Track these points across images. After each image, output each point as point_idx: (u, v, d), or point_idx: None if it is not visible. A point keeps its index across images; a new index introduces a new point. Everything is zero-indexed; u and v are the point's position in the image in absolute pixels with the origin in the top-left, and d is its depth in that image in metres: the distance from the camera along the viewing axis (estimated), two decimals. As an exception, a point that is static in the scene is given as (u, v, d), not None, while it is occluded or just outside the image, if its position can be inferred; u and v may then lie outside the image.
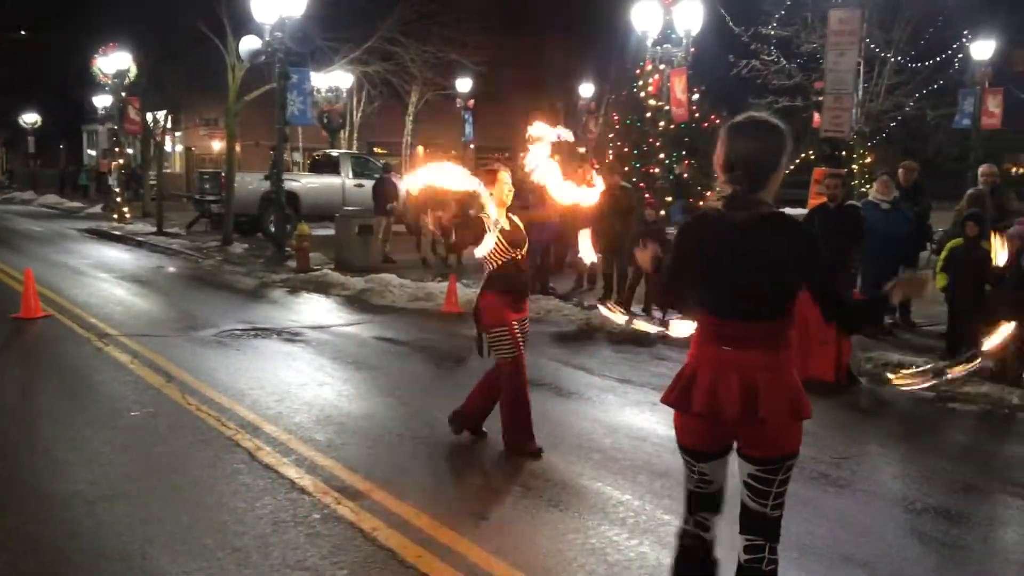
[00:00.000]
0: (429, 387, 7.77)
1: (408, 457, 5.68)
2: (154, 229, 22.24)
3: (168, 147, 38.06)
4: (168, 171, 36.06)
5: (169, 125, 31.03)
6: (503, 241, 5.52)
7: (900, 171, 10.08)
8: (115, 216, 24.98)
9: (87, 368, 7.89)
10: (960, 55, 21.51)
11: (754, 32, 21.48)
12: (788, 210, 4.44)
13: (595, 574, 4.04)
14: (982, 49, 20.88)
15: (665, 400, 3.09)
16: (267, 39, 16.49)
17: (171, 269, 16.05)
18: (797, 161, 28.61)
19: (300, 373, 7.94)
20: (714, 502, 3.19)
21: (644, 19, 17.96)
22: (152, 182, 31.43)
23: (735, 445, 3.05)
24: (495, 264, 5.57)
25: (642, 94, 19.07)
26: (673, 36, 18.00)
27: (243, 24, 17.89)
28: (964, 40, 20.61)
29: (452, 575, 3.97)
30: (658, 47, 17.81)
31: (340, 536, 4.36)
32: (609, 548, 4.34)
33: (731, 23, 20.80)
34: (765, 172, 2.95)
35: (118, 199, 25.49)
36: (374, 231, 16.17)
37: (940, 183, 19.27)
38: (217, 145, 39.82)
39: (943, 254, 8.84)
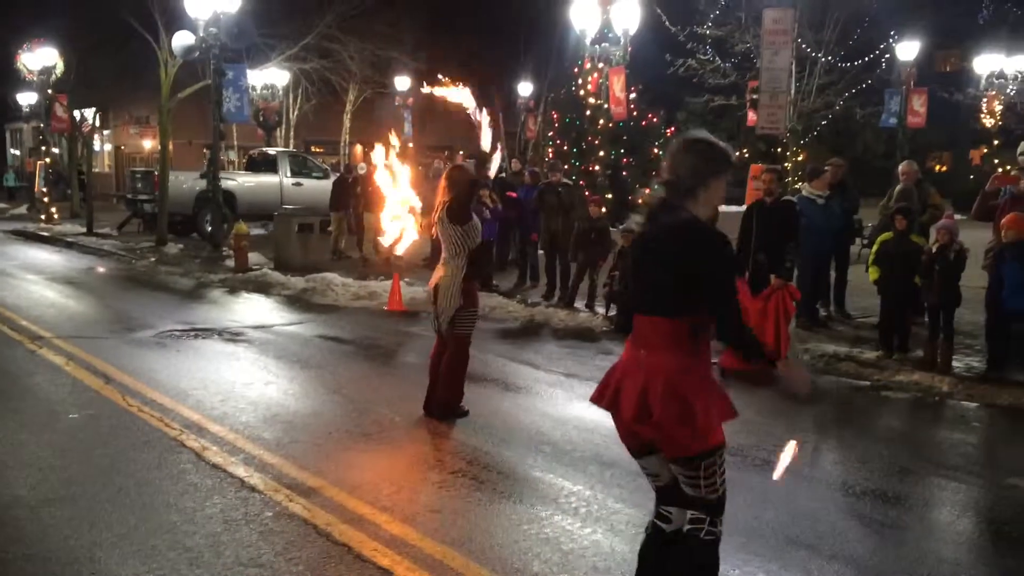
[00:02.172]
0: (376, 385, 7.74)
1: (358, 453, 5.66)
2: (84, 230, 21.67)
3: (96, 146, 37.09)
4: (96, 170, 35.16)
5: (97, 123, 30.24)
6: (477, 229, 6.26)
7: (829, 168, 10.35)
8: (42, 217, 24.25)
9: (20, 371, 7.66)
10: (887, 56, 22.19)
11: (690, 32, 21.85)
12: (724, 208, 4.63)
13: (550, 562, 4.09)
14: (907, 50, 21.59)
15: (591, 397, 3.33)
16: (201, 35, 16.21)
17: (104, 270, 15.66)
18: (737, 155, 29.21)
19: (244, 373, 7.83)
20: (672, 494, 3.28)
21: (582, 18, 18.14)
22: (81, 181, 30.66)
23: None
24: (471, 250, 6.21)
25: (581, 92, 19.21)
26: (611, 35, 18.20)
27: (176, 19, 17.53)
28: (891, 40, 21.27)
29: (409, 567, 3.97)
30: (596, 46, 17.99)
31: (293, 533, 4.33)
32: (563, 537, 4.39)
33: (667, 23, 21.10)
34: (693, 186, 3.13)
35: (45, 199, 24.74)
36: (333, 226, 16.30)
37: (867, 180, 19.87)
38: (148, 143, 38.90)
39: (874, 247, 9.11)
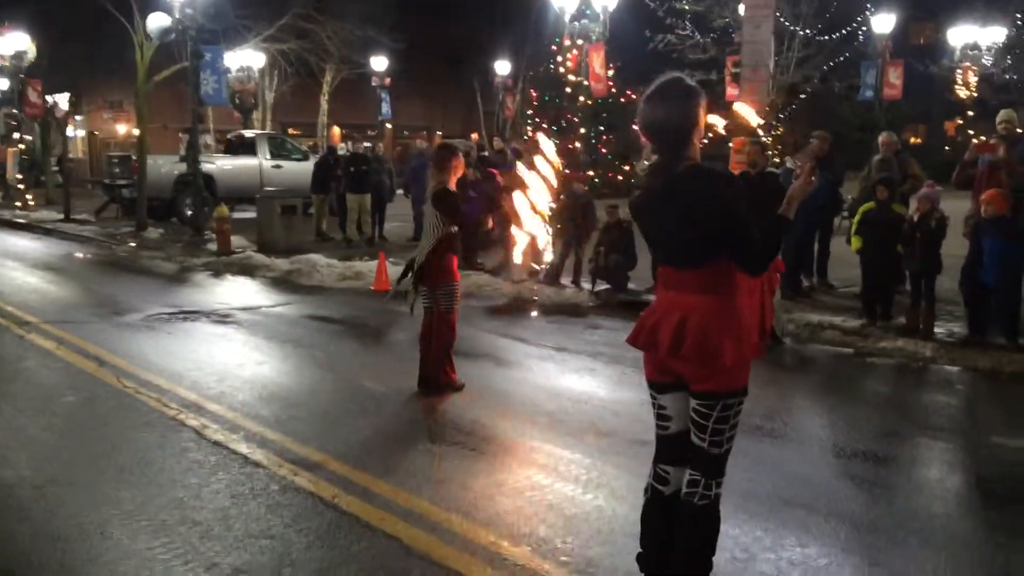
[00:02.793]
0: (368, 362, 7.79)
1: (357, 429, 5.72)
2: (61, 216, 21.42)
3: (69, 132, 36.62)
4: (70, 156, 34.73)
5: (68, 108, 29.88)
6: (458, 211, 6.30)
7: (814, 140, 10.45)
8: (17, 204, 23.97)
9: (10, 356, 7.64)
10: (864, 28, 22.31)
11: (669, 7, 21.83)
12: None
13: (555, 527, 4.18)
14: (883, 23, 21.71)
15: (628, 338, 3.38)
16: (177, 16, 16.06)
17: (85, 256, 15.55)
18: (711, 134, 29.35)
19: (236, 353, 7.86)
20: (674, 449, 3.35)
21: (561, -5, 18.06)
22: (55, 168, 30.29)
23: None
24: (452, 230, 6.24)
25: (561, 70, 19.22)
26: (588, 12, 18.17)
27: (150, 1, 17.35)
28: (867, 12, 21.37)
29: (417, 535, 4.05)
30: (576, 23, 17.95)
31: (301, 505, 4.39)
32: (565, 503, 4.48)
33: (646, -2, 21.12)
34: (681, 135, 3.11)
35: (20, 186, 24.45)
36: (315, 208, 16.30)
37: (844, 153, 20.01)
38: (122, 128, 38.51)
39: (856, 218, 9.23)
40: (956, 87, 24.56)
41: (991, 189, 7.95)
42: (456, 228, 6.35)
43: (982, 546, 4.12)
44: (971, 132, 25.48)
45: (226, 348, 8.08)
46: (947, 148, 29.65)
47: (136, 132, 35.89)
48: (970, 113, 25.58)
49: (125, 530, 4.10)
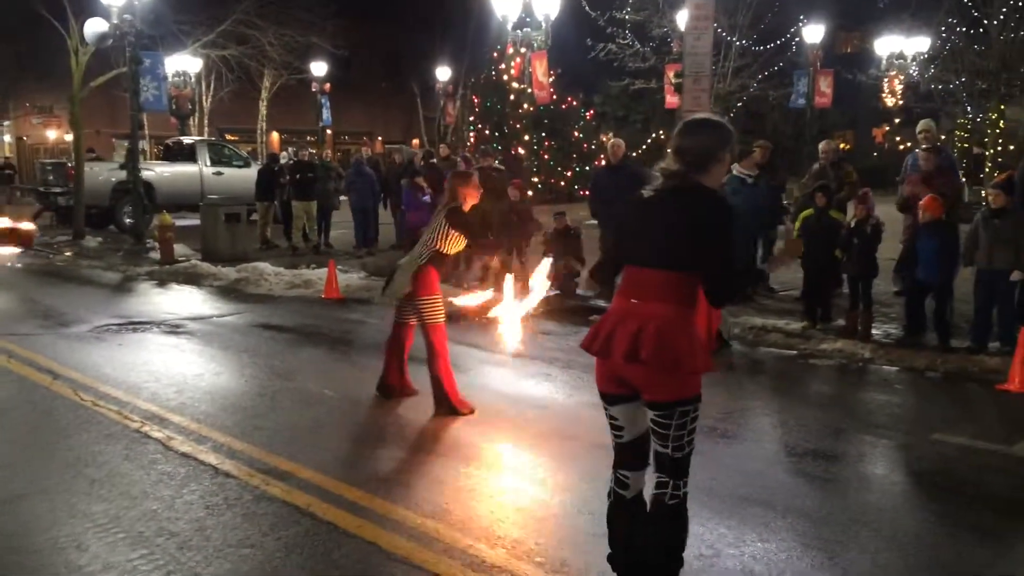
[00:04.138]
0: (326, 371, 7.83)
1: (324, 437, 5.78)
2: (-8, 225, 20.85)
3: (-3, 137, 35.63)
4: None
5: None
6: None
7: (757, 149, 10.81)
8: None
9: (-41, 370, 7.50)
10: (797, 39, 22.99)
11: (609, 16, 22.19)
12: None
13: (527, 529, 4.31)
14: (813, 33, 22.42)
15: (582, 344, 3.47)
16: (115, 21, 15.79)
17: (21, 265, 15.18)
18: (649, 141, 29.90)
19: (192, 364, 7.82)
20: (631, 455, 3.51)
21: (503, 3, 18.23)
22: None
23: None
24: (444, 247, 6.25)
25: (505, 77, 19.37)
26: (530, 20, 18.38)
27: (85, 5, 17.02)
28: (801, 24, 22.04)
29: (395, 539, 4.14)
30: (518, 31, 18.13)
31: (276, 514, 4.45)
32: (535, 506, 4.63)
33: (587, 7, 21.41)
34: (705, 162, 3.36)
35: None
36: (260, 216, 16.18)
37: (777, 160, 20.61)
38: (52, 134, 37.52)
39: (797, 224, 9.59)
40: (883, 95, 25.42)
41: (928, 196, 8.35)
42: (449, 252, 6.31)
43: (929, 537, 4.38)
44: (897, 138, 26.43)
45: (181, 359, 8.04)
46: (875, 154, 30.71)
47: (68, 138, 35.06)
48: (896, 120, 26.52)
49: (102, 543, 4.12)
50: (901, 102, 25.09)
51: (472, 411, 6.28)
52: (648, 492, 3.50)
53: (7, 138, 40.14)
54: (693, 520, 3.79)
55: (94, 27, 16.22)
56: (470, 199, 6.38)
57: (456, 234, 6.22)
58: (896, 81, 25.27)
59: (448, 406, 6.21)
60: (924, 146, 9.86)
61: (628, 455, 3.51)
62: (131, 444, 5.51)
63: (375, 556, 3.99)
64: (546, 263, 6.38)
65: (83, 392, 6.67)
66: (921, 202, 8.36)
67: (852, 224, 8.88)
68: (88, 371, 7.35)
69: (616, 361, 3.28)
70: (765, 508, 4.63)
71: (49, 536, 4.18)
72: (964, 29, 21.03)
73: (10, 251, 16.90)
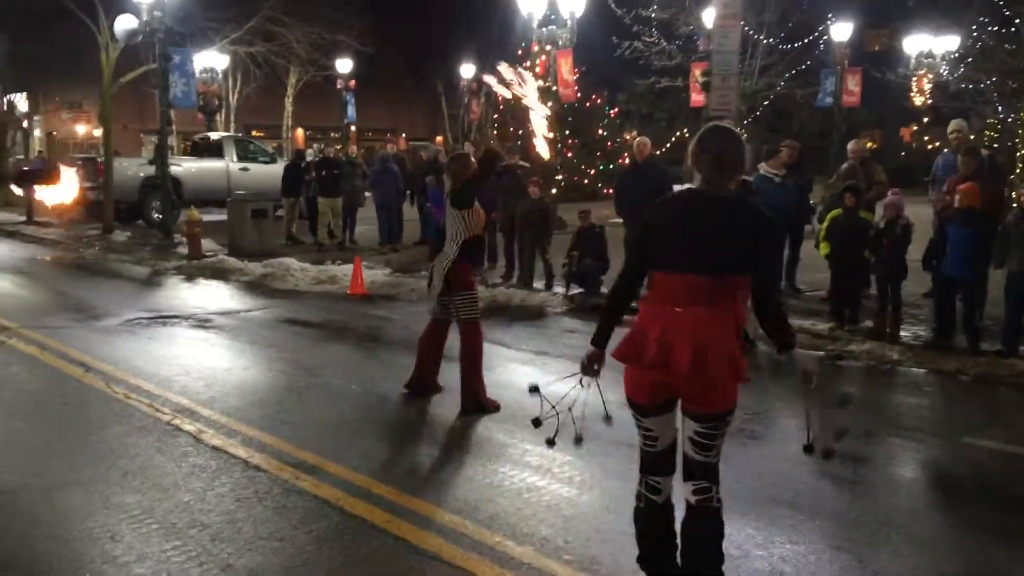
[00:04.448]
0: (354, 367, 7.88)
1: (352, 433, 5.82)
2: (23, 218, 21.17)
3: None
4: (21, 158, 34.17)
5: (27, 109, 29.45)
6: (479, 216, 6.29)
7: (784, 149, 10.76)
8: (-23, 206, 23.61)
9: (-6, 362, 7.62)
10: (825, 37, 22.82)
11: (636, 14, 22.13)
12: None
13: (555, 527, 4.34)
14: (841, 31, 22.24)
15: (617, 355, 3.33)
16: (145, 18, 15.95)
17: (53, 259, 15.39)
18: (673, 139, 29.81)
19: (221, 358, 7.91)
20: (664, 463, 3.46)
21: (529, 0, 18.25)
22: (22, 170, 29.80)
23: (679, 404, 3.35)
24: (470, 236, 6.22)
25: (531, 74, 19.43)
26: (556, 18, 18.38)
27: (115, 2, 17.20)
28: (828, 22, 21.88)
29: (424, 535, 4.18)
30: (544, 29, 18.14)
31: (306, 508, 4.50)
32: (563, 504, 4.65)
33: (613, 5, 21.36)
34: (738, 167, 3.40)
35: (-21, 188, 24.07)
36: (285, 212, 16.31)
37: (805, 159, 20.48)
38: (82, 129, 37.94)
39: (825, 224, 9.51)
40: (911, 94, 25.19)
41: (968, 183, 8.19)
42: (480, 229, 6.34)
43: (960, 542, 4.36)
44: (926, 138, 26.17)
45: (210, 353, 8.12)
46: (903, 154, 30.42)
47: (97, 133, 35.44)
48: (925, 120, 26.28)
49: (136, 534, 4.18)
50: (930, 101, 24.86)
51: (498, 408, 6.31)
52: (672, 498, 3.48)
53: (37, 132, 40.66)
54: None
55: (124, 24, 16.41)
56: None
57: (468, 212, 6.23)
58: (924, 80, 25.04)
59: (476, 402, 6.24)
60: (961, 148, 9.72)
61: (660, 462, 3.46)
62: (163, 437, 5.58)
63: (405, 551, 4.02)
64: None
65: (115, 385, 6.76)
66: (960, 187, 8.18)
67: (882, 225, 8.81)
68: (119, 364, 7.44)
69: (678, 372, 3.16)
70: (793, 510, 4.62)
71: (84, 526, 4.26)
72: (996, 28, 20.77)
73: (42, 245, 17.15)
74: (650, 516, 3.50)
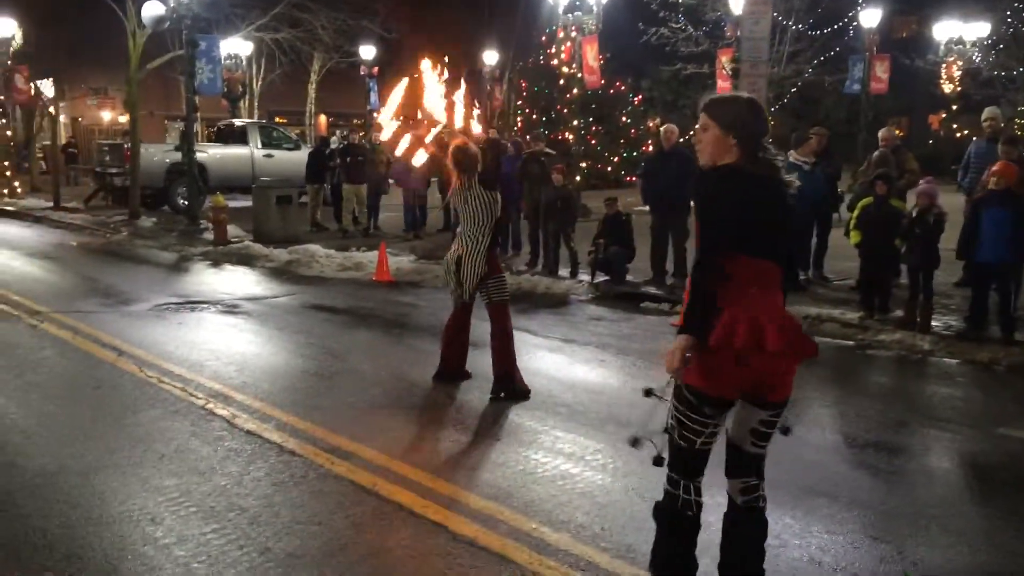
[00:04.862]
0: (383, 353, 7.90)
1: (384, 418, 5.84)
2: (50, 204, 21.34)
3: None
4: (49, 144, 34.48)
5: (52, 94, 29.61)
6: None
7: (813, 136, 10.66)
8: (5, 191, 23.80)
9: (29, 345, 7.69)
10: (854, 23, 22.55)
11: (662, 0, 21.96)
12: None
13: (591, 514, 4.33)
14: (870, 17, 21.98)
15: (715, 342, 3.02)
16: (172, 5, 16.00)
17: (80, 245, 15.51)
18: (697, 126, 29.58)
19: (251, 344, 7.96)
20: (706, 462, 3.28)
21: (555, -14, 18.18)
22: (40, 155, 30.09)
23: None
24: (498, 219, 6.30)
25: (555, 61, 19.29)
26: (581, 4, 18.28)
27: (142, -13, 17.25)
28: (859, 7, 21.62)
29: (461, 520, 4.19)
30: (569, 15, 18.06)
31: (342, 493, 4.52)
32: (597, 491, 4.64)
33: (639, -9, 21.23)
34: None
35: (7, 174, 24.27)
36: (310, 198, 16.37)
37: (830, 146, 20.29)
38: (107, 115, 38.20)
39: (855, 212, 9.42)
40: (941, 81, 24.87)
41: (1002, 162, 8.07)
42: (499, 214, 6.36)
43: (999, 534, 4.31)
44: (955, 126, 25.85)
45: (240, 338, 8.17)
46: (931, 141, 30.06)
47: (122, 119, 35.61)
48: (954, 107, 25.95)
49: (175, 516, 4.22)
50: (959, 88, 24.54)
51: (528, 395, 6.31)
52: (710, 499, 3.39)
53: (63, 118, 40.95)
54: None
55: (151, 10, 16.47)
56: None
57: (497, 194, 6.29)
58: (954, 67, 24.73)
59: (508, 386, 6.26)
60: (998, 135, 9.58)
61: (705, 462, 3.26)
62: (197, 421, 5.62)
63: (442, 537, 4.03)
64: None
65: (147, 369, 6.81)
66: (994, 168, 8.06)
67: (914, 213, 8.71)
68: (151, 349, 7.50)
69: (776, 352, 3.02)
70: (830, 500, 4.59)
71: (124, 509, 4.29)
72: (1031, 14, 20.48)
73: (69, 231, 17.32)
74: (695, 526, 3.29)
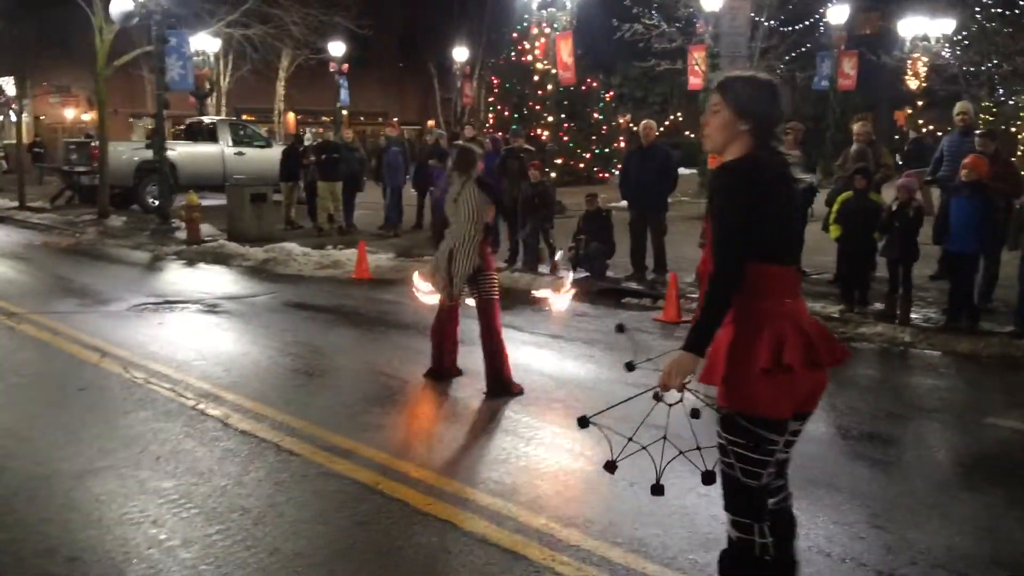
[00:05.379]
0: (370, 351, 7.84)
1: (380, 416, 5.79)
2: (15, 204, 20.94)
3: (12, 116, 35.56)
4: (11, 142, 33.80)
5: (14, 92, 29.03)
6: None
7: (789, 132, 10.72)
8: (-33, 192, 23.36)
9: (8, 347, 7.54)
10: (825, 20, 22.80)
11: (634, -4, 22.04)
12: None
13: (598, 509, 4.33)
14: (838, 13, 22.24)
15: (766, 364, 2.71)
16: (141, 0, 15.74)
17: (49, 245, 15.23)
18: (667, 123, 29.81)
19: (237, 343, 7.86)
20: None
21: (529, -18, 18.17)
22: (0, 155, 29.51)
23: None
24: (487, 221, 6.27)
25: (528, 58, 19.27)
26: (548, 1, 18.28)
27: (110, -18, 16.96)
28: (830, 4, 21.86)
29: (468, 517, 4.16)
30: (543, 11, 18.04)
31: (345, 492, 4.47)
32: (602, 486, 4.60)
33: (612, -13, 21.26)
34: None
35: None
36: (284, 196, 16.22)
37: (808, 140, 20.49)
38: (70, 113, 37.55)
39: (835, 207, 9.51)
40: (907, 77, 25.21)
41: (974, 155, 8.25)
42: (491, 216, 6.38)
43: (999, 521, 4.37)
44: (920, 121, 26.22)
45: (224, 338, 8.07)
46: (896, 137, 30.46)
47: (85, 117, 35.04)
48: (919, 103, 26.31)
49: (177, 518, 4.14)
50: (924, 85, 24.89)
51: (521, 391, 6.29)
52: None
53: (25, 117, 40.16)
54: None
55: (120, 6, 16.15)
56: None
57: (482, 194, 6.26)
58: (919, 63, 25.07)
59: (502, 383, 6.23)
60: (968, 128, 9.74)
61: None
62: (190, 421, 5.53)
63: (451, 534, 4.00)
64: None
65: (133, 370, 6.70)
66: (967, 159, 8.21)
67: (894, 207, 8.82)
68: (135, 349, 7.37)
69: (829, 365, 2.83)
70: (831, 490, 4.63)
71: (124, 511, 4.21)
72: (1000, 10, 20.77)
73: (36, 231, 16.98)
74: (773, 567, 2.91)
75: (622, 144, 27.47)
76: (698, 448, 2.86)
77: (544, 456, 5.08)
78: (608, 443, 2.96)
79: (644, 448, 2.90)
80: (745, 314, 2.78)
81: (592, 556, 3.82)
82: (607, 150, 27.19)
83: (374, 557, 3.82)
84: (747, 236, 2.72)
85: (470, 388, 6.38)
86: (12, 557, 3.76)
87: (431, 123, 37.41)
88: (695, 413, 2.79)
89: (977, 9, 21.41)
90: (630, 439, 2.89)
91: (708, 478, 2.88)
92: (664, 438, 2.86)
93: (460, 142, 15.82)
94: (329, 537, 3.98)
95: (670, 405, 2.78)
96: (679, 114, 33.70)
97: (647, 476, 4.65)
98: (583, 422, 3.02)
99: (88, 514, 4.18)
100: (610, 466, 3.01)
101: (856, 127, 11.33)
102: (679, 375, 2.75)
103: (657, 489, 2.95)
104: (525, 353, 7.72)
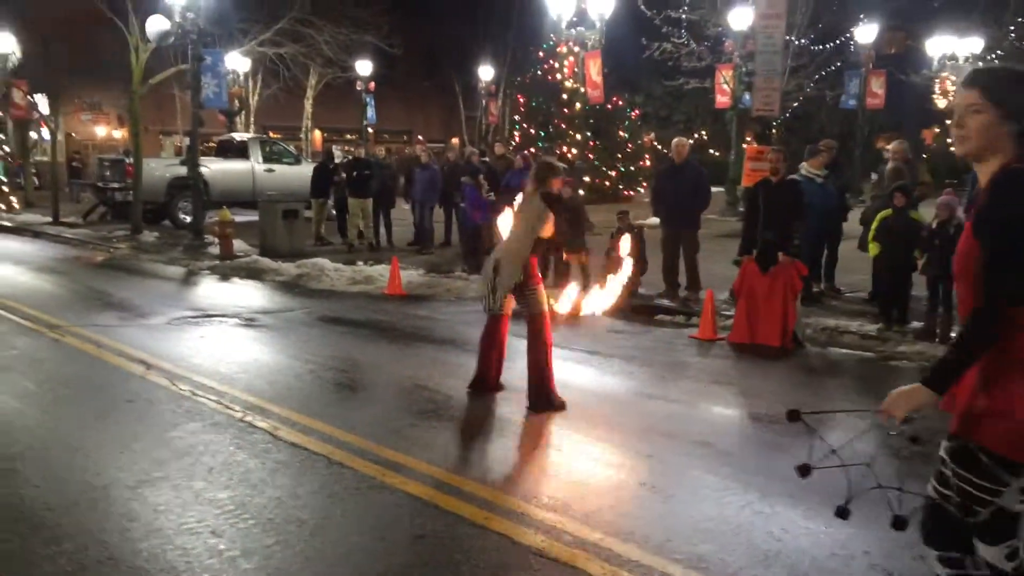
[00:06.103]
0: (411, 365, 7.83)
1: (427, 430, 5.79)
2: (49, 219, 21.22)
3: (46, 133, 36.11)
4: (45, 159, 34.29)
5: (48, 110, 29.52)
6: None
7: (823, 150, 10.72)
8: (2, 207, 23.67)
9: (54, 359, 7.63)
10: (853, 40, 22.80)
11: (665, 15, 22.10)
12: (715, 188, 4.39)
13: (653, 524, 4.30)
14: (866, 33, 22.21)
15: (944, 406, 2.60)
16: (178, 19, 15.98)
17: (84, 259, 15.42)
18: (692, 141, 29.78)
19: (277, 356, 7.91)
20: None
21: (557, 1, 18.23)
22: (33, 171, 29.94)
23: None
24: (544, 232, 6.26)
25: (559, 76, 19.36)
26: (575, 19, 18.36)
27: (146, 3, 17.26)
28: (861, 21, 21.86)
29: (525, 532, 4.14)
30: (572, 30, 18.13)
31: (399, 504, 4.47)
32: (655, 502, 4.61)
33: (643, 6, 21.34)
34: None
35: (3, 188, 24.15)
36: (314, 213, 16.37)
37: (841, 159, 20.43)
38: (101, 131, 38.06)
39: (874, 224, 9.48)
40: (935, 96, 25.12)
41: None
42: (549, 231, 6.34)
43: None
44: (948, 140, 26.08)
45: (264, 351, 8.12)
46: (924, 156, 30.33)
47: (116, 134, 35.50)
48: (947, 122, 26.17)
49: (235, 529, 4.16)
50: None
51: (564, 406, 6.29)
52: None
53: (59, 136, 40.77)
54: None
55: (157, 25, 16.44)
56: (557, 188, 6.45)
57: (553, 219, 6.24)
58: (948, 82, 24.98)
59: (546, 397, 6.22)
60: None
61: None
62: (239, 433, 5.57)
63: (509, 550, 4.00)
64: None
65: (179, 382, 6.75)
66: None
67: (934, 225, 8.77)
68: (178, 362, 7.44)
69: None
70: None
71: (182, 521, 4.24)
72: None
73: (70, 246, 17.17)
74: None
75: (647, 162, 27.50)
76: (899, 488, 2.66)
77: (594, 471, 5.07)
78: (810, 446, 2.75)
79: (845, 466, 2.66)
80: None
81: (653, 571, 3.80)
82: (632, 168, 27.22)
83: (434, 570, 3.82)
84: None
85: (514, 403, 6.38)
86: (76, 566, 3.79)
87: (455, 140, 37.63)
88: (915, 439, 2.67)
89: (1011, 28, 21.32)
90: (834, 451, 2.68)
91: (899, 523, 2.65)
92: (868, 464, 2.66)
93: (486, 159, 16.03)
94: (388, 550, 3.99)
95: (891, 433, 2.62)
96: (704, 132, 33.68)
97: (701, 493, 4.67)
98: (793, 415, 2.81)
99: (148, 524, 4.21)
100: (804, 469, 2.75)
101: (892, 145, 11.32)
102: (907, 408, 2.57)
103: (843, 512, 2.73)
104: (565, 369, 7.67)
